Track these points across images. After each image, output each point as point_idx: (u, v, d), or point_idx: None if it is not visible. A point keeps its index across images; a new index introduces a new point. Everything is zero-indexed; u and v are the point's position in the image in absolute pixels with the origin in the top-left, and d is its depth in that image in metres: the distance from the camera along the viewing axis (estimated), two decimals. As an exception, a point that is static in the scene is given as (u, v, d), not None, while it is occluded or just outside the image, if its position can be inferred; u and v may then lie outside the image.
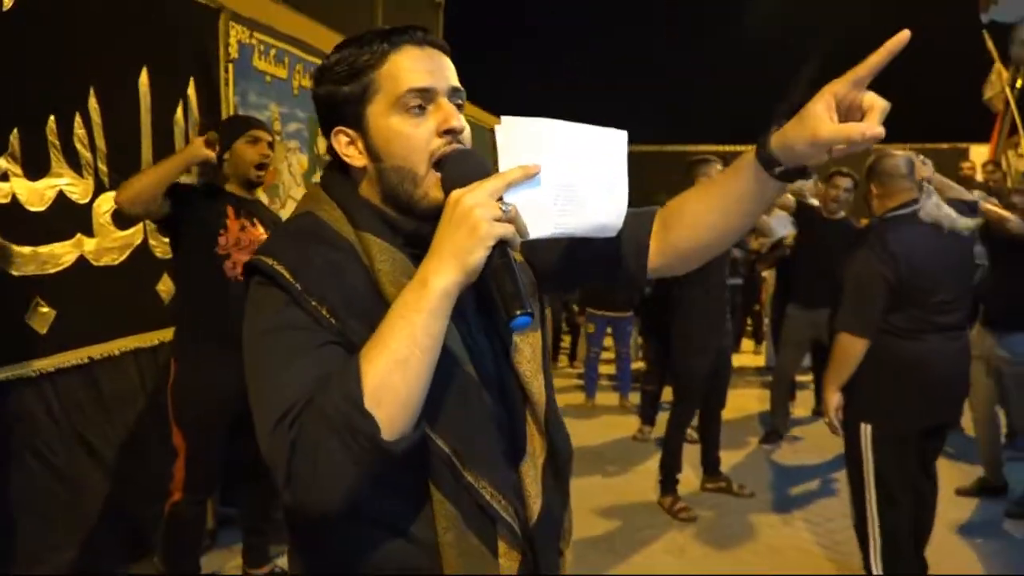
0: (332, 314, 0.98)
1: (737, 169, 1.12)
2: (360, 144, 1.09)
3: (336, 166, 1.15)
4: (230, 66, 3.88)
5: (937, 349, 2.92)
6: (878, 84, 1.02)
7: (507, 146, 1.00)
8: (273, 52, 4.26)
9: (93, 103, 3.02)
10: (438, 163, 1.05)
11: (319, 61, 4.36)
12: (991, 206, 3.96)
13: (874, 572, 3.01)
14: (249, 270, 1.04)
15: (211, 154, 2.83)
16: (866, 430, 2.97)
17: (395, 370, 0.90)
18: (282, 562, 3.49)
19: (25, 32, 2.73)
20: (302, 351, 0.95)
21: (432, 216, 1.01)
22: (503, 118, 1.01)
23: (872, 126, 0.95)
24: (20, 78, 2.72)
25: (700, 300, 4.10)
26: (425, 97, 1.06)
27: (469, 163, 1.02)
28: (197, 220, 2.95)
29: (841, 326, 2.97)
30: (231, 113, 3.87)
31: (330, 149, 1.14)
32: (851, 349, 2.93)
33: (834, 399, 3.02)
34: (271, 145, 3.06)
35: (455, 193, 0.96)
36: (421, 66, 1.07)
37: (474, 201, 0.94)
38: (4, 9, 2.64)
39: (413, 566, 1.03)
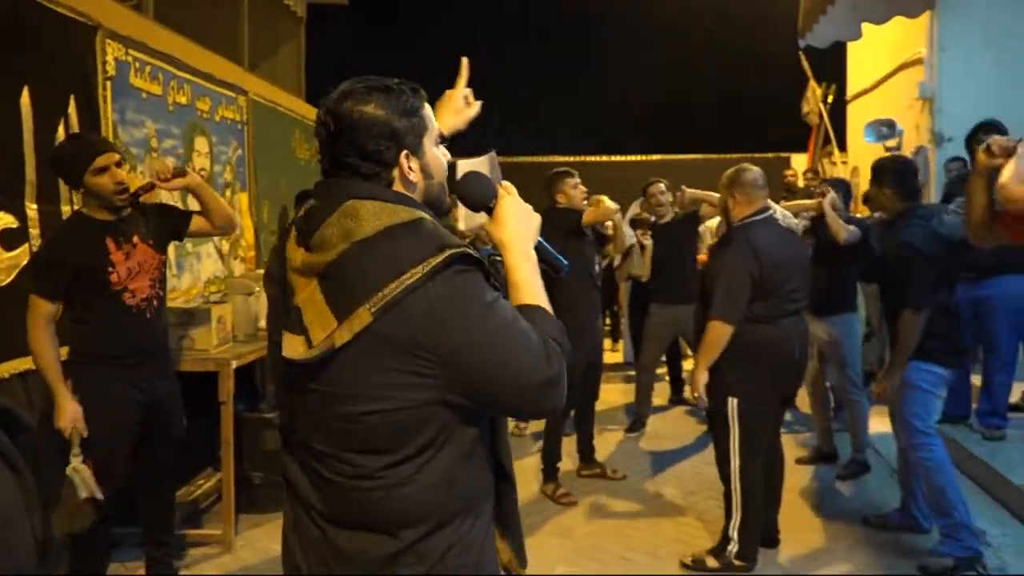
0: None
1: None
2: (415, 164, 1.37)
3: (383, 182, 1.34)
4: (108, 83, 3.87)
5: (789, 331, 3.43)
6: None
7: (494, 167, 1.50)
8: (148, 69, 4.26)
9: (-22, 123, 2.99)
10: (465, 176, 1.44)
11: (192, 78, 4.43)
12: (832, 216, 4.54)
13: (731, 524, 3.51)
14: (449, 261, 1.23)
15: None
16: (732, 403, 3.43)
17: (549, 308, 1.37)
18: (186, 571, 3.54)
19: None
20: (513, 311, 1.29)
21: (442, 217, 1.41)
22: (493, 152, 1.50)
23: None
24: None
25: (574, 300, 4.46)
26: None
27: (487, 178, 1.47)
28: (80, 272, 2.92)
29: (716, 314, 3.39)
30: (111, 130, 3.86)
31: (385, 165, 1.34)
32: (723, 334, 3.38)
33: (704, 377, 3.46)
34: (120, 163, 2.96)
35: (512, 195, 1.44)
36: None
37: (522, 201, 1.44)
38: None
39: (488, 487, 1.39)
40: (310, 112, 7.04)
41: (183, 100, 4.67)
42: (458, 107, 1.69)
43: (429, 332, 1.22)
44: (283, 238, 1.39)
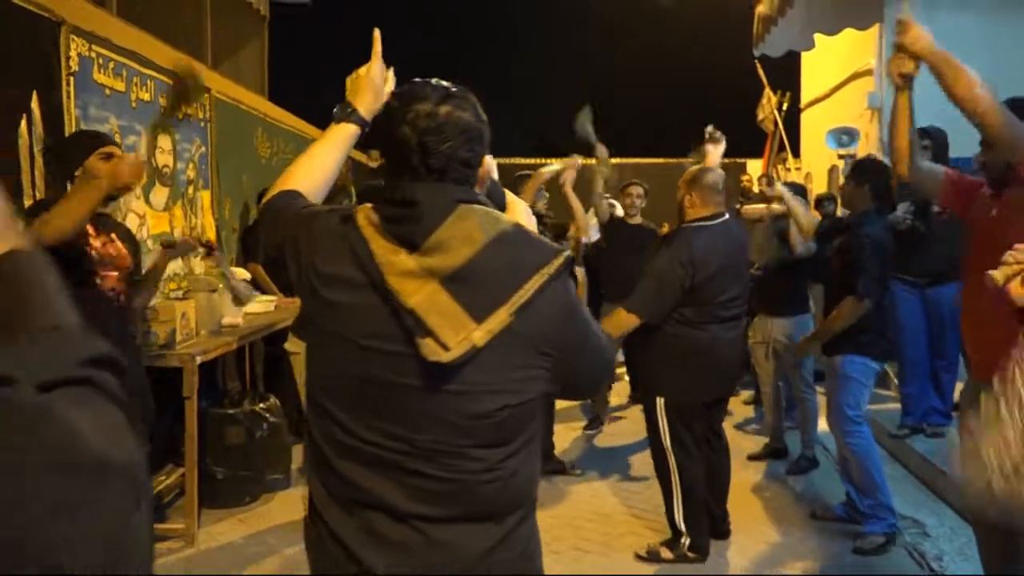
0: None
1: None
2: (486, 168, 1.46)
3: (471, 186, 1.38)
4: (71, 79, 3.86)
5: (718, 337, 3.53)
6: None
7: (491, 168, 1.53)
8: (112, 65, 4.26)
9: (-57, 117, 2.99)
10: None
11: (154, 74, 4.45)
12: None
13: (676, 518, 3.62)
14: (567, 264, 1.35)
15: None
16: (660, 402, 3.56)
17: None
18: None
19: None
20: None
21: None
22: (489, 155, 1.47)
23: None
24: None
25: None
26: None
27: None
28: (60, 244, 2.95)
29: (630, 307, 3.48)
30: (74, 126, 3.86)
31: (474, 169, 1.38)
32: (628, 324, 3.50)
33: None
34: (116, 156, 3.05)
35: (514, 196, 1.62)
36: None
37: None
38: None
39: None
40: (272, 110, 7.04)
41: (146, 97, 4.66)
42: (378, 86, 1.61)
43: (553, 329, 1.34)
44: (348, 240, 1.32)
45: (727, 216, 3.63)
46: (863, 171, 3.93)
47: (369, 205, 1.34)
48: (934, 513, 4.16)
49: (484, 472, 1.32)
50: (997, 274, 1.85)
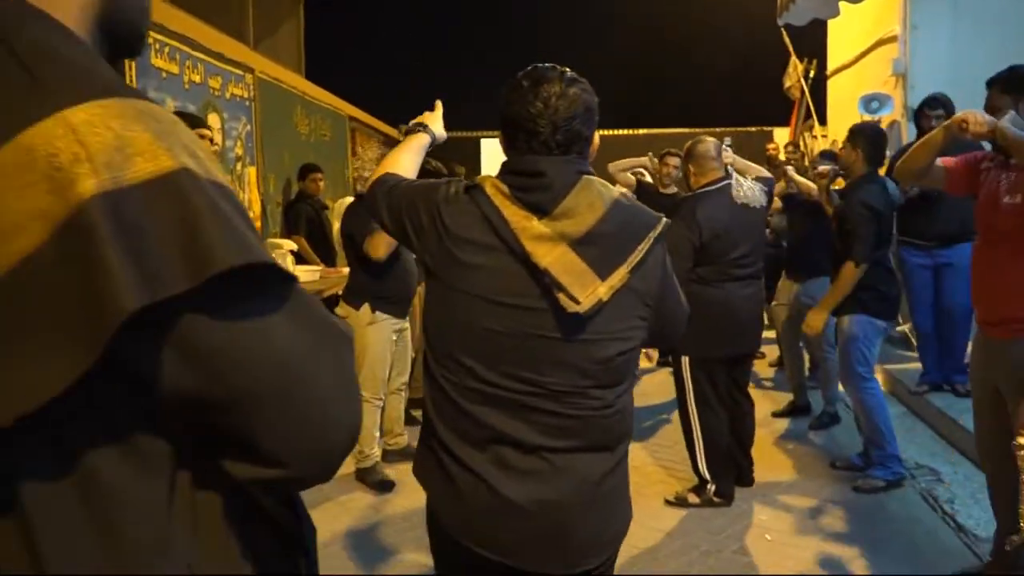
0: None
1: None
2: None
3: (585, 160, 1.56)
4: (132, 64, 4.14)
5: (734, 294, 3.75)
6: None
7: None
8: (167, 50, 4.54)
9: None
10: None
11: (204, 57, 4.81)
12: (798, 178, 4.91)
13: (700, 467, 3.89)
14: (666, 228, 1.55)
15: None
16: (685, 360, 3.80)
17: None
18: None
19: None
20: None
21: None
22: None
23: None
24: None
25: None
26: None
27: None
28: None
29: None
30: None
31: (589, 146, 1.57)
32: None
33: None
34: (212, 142, 3.45)
35: None
36: None
37: None
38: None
39: None
40: (310, 88, 7.29)
41: (197, 79, 4.94)
42: (440, 123, 1.95)
43: (655, 284, 1.58)
44: (479, 207, 1.49)
45: (729, 180, 3.78)
46: (857, 135, 4.05)
47: (493, 176, 1.53)
48: (948, 462, 4.37)
49: (603, 408, 1.53)
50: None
